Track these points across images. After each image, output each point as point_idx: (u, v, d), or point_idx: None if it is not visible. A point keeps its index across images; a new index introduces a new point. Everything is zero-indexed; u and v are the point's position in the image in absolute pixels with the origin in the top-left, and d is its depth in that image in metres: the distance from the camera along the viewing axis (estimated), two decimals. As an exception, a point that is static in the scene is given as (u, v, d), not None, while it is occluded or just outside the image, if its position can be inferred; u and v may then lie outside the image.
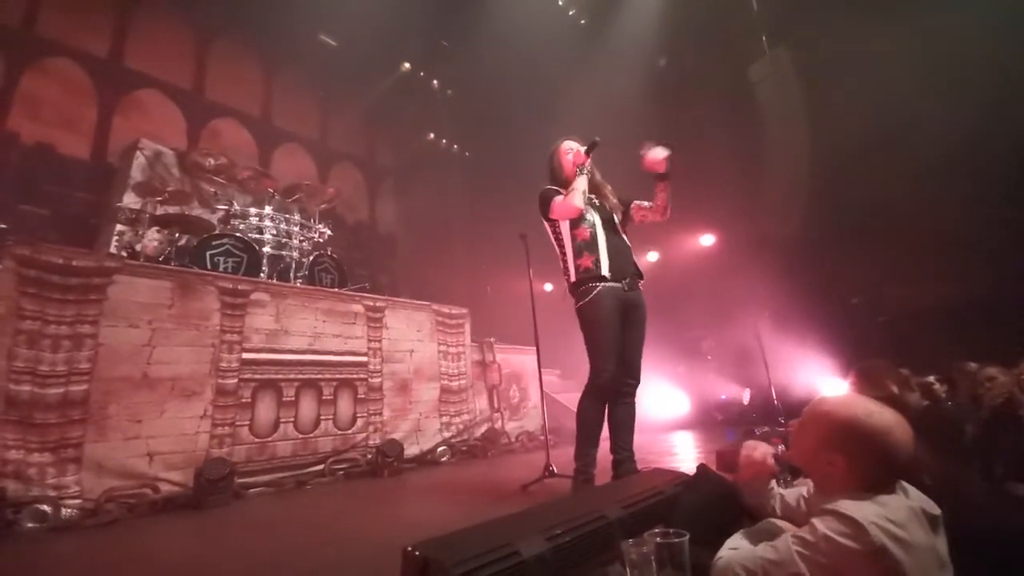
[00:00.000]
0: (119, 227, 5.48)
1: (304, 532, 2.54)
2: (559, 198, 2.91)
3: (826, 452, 1.08)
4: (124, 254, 4.74)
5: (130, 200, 5.53)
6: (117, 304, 3.30)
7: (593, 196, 3.00)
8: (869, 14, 6.25)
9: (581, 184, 2.84)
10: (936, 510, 1.03)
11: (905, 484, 1.06)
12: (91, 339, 3.15)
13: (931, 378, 3.33)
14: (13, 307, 2.92)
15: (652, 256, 8.61)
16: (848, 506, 0.96)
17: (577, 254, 2.90)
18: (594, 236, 2.90)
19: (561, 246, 3.00)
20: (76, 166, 6.47)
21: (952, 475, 1.54)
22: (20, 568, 2.19)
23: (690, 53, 8.27)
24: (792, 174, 6.96)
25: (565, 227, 2.96)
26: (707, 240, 8.19)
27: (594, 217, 2.94)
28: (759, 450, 1.32)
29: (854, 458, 1.05)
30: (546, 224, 3.07)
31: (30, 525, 2.62)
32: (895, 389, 2.28)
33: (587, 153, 2.93)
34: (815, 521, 1.00)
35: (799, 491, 1.17)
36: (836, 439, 1.08)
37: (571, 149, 3.06)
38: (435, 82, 10.71)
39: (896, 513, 0.95)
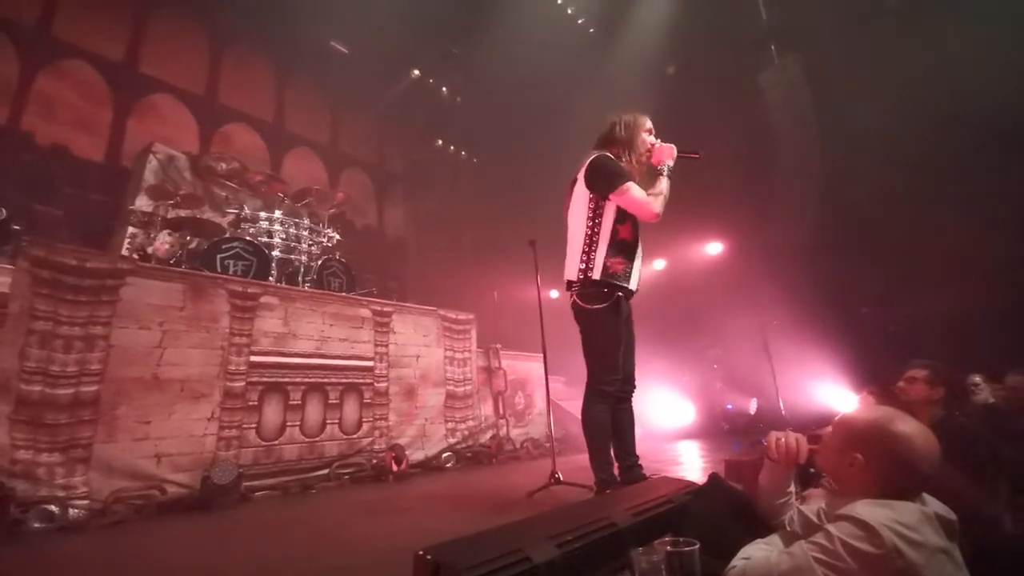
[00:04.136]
0: (131, 229, 5.53)
1: (310, 536, 2.54)
2: (637, 189, 2.53)
3: (848, 452, 1.13)
4: (136, 256, 4.78)
5: (143, 203, 5.59)
6: (129, 306, 3.33)
7: None
8: (877, 22, 6.26)
9: (667, 188, 2.56)
10: (952, 515, 1.05)
11: (926, 496, 1.07)
12: (103, 340, 3.17)
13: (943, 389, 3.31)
14: (26, 307, 2.95)
15: (659, 264, 8.60)
16: (861, 511, 0.99)
17: (612, 252, 2.60)
18: (635, 240, 2.68)
19: (595, 232, 2.62)
20: (90, 168, 6.56)
21: (966, 488, 1.55)
22: (27, 568, 2.19)
23: (699, 61, 8.29)
24: (801, 182, 6.95)
25: (610, 214, 2.61)
26: (714, 248, 8.17)
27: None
28: (792, 436, 1.33)
29: (871, 459, 1.09)
30: (587, 198, 2.64)
31: (37, 525, 2.62)
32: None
33: (680, 155, 2.67)
34: (830, 527, 1.02)
35: (818, 505, 1.17)
36: (858, 439, 1.13)
37: (652, 131, 2.77)
38: (444, 89, 10.80)
39: (907, 516, 0.98)
